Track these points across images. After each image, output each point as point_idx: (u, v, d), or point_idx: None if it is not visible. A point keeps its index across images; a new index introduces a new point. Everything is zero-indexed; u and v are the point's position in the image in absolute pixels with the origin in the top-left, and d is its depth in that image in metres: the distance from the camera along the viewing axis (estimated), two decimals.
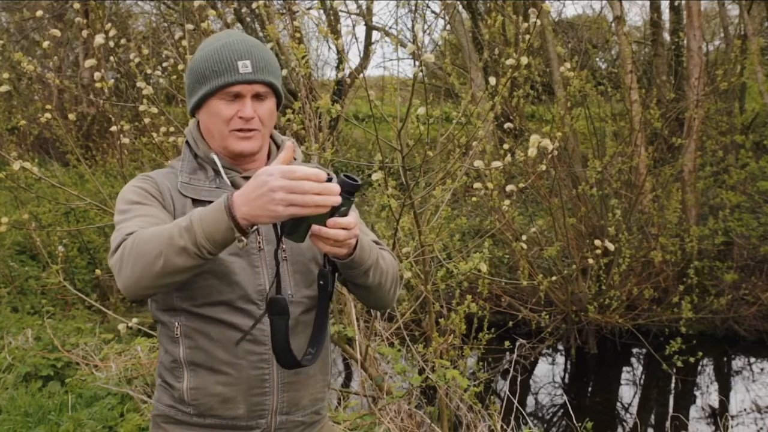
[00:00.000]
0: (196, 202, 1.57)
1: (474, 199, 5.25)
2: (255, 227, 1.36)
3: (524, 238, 4.39)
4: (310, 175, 1.27)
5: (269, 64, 1.59)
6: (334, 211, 1.34)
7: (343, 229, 1.36)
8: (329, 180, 1.31)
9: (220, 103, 1.56)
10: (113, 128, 4.02)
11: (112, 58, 3.79)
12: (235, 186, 1.58)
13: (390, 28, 10.95)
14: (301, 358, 1.51)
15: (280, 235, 1.43)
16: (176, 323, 1.56)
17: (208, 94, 1.56)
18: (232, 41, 1.57)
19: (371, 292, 1.62)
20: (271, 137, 1.70)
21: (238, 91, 1.55)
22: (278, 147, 1.70)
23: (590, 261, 4.73)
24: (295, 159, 1.62)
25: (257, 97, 1.57)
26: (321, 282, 1.56)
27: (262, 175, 1.29)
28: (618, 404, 6.95)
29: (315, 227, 1.36)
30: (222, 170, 1.59)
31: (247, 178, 1.59)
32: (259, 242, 1.57)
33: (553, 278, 5.24)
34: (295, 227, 1.36)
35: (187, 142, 1.68)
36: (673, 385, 7.11)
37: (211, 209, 1.34)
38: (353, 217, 1.39)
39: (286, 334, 1.48)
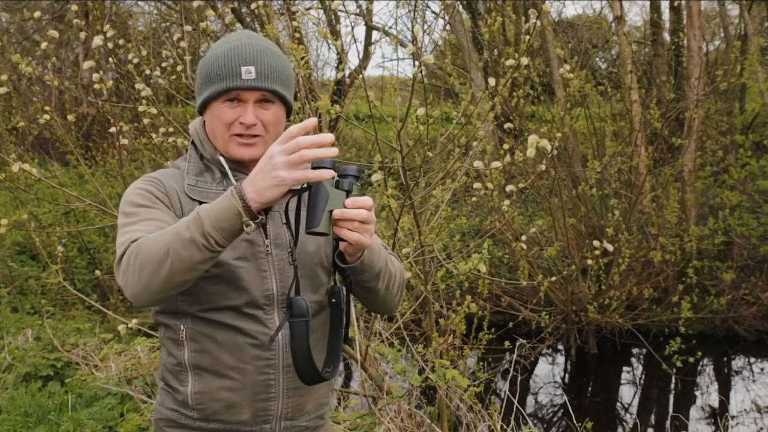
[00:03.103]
0: None
1: (474, 199, 5.25)
2: (265, 211, 1.35)
3: (524, 238, 4.39)
4: (305, 127, 1.28)
5: (277, 71, 1.54)
6: (348, 194, 1.35)
7: (364, 209, 1.36)
8: (339, 174, 1.34)
9: (223, 106, 1.53)
10: (113, 129, 4.02)
11: (111, 59, 3.78)
12: None
13: (390, 28, 10.96)
14: (321, 371, 1.50)
15: (303, 231, 1.41)
16: (181, 326, 1.54)
17: (210, 97, 1.54)
18: (240, 45, 1.53)
19: (378, 296, 1.60)
20: None
21: (240, 96, 1.52)
22: None
23: (590, 262, 4.73)
24: None
25: (261, 103, 1.54)
26: (333, 300, 1.54)
27: (265, 156, 1.31)
28: (618, 404, 6.94)
29: (337, 211, 1.35)
30: (229, 172, 1.56)
31: None
32: (267, 246, 1.54)
33: (553, 278, 5.24)
34: (314, 216, 1.35)
35: (192, 142, 1.64)
36: (673, 385, 7.11)
37: (218, 200, 1.34)
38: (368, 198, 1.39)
39: (306, 339, 1.46)
